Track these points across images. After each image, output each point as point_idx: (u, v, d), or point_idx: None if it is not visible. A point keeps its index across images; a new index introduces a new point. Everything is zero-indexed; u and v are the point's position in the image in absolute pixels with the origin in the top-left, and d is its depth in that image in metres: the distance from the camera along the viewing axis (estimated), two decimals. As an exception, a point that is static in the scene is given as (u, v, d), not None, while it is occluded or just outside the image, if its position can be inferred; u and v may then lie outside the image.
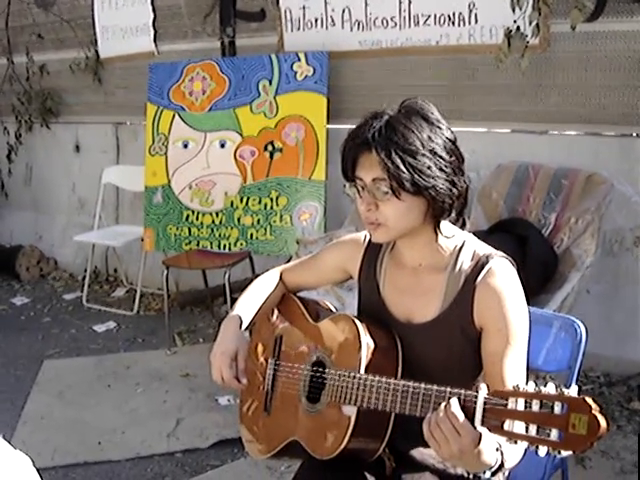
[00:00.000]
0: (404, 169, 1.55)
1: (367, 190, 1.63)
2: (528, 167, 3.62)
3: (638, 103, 3.51)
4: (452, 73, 4.04)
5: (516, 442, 1.29)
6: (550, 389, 1.27)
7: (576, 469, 2.99)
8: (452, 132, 1.64)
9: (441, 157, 1.58)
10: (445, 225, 1.69)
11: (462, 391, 1.41)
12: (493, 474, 1.48)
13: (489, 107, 3.98)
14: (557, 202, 3.45)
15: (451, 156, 1.61)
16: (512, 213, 3.59)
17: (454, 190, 1.61)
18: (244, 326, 1.93)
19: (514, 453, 1.49)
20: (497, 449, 1.44)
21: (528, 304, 1.69)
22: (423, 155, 1.56)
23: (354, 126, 1.67)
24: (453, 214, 1.66)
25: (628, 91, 3.53)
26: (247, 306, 1.99)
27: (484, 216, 3.65)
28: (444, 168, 1.59)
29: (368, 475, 1.79)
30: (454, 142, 1.63)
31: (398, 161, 1.55)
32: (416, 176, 1.55)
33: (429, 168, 1.56)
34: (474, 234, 1.80)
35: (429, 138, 1.58)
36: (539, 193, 3.52)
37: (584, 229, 3.35)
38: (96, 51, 5.57)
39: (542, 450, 1.26)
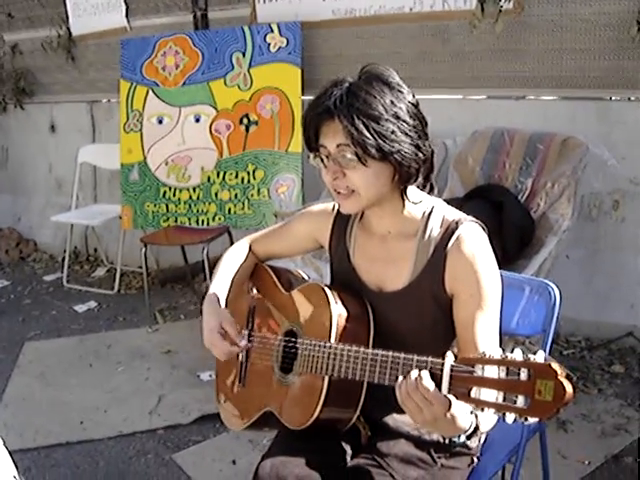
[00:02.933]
0: (368, 135, 1.52)
1: (332, 159, 1.60)
2: (504, 133, 3.59)
3: (614, 66, 3.49)
4: (426, 40, 4.00)
5: (482, 409, 1.28)
6: (517, 355, 1.26)
7: (557, 433, 3.01)
8: (414, 96, 1.62)
9: (405, 121, 1.56)
10: (412, 191, 1.67)
11: (429, 359, 1.40)
12: (468, 437, 1.48)
13: (464, 73, 3.95)
14: (533, 167, 3.43)
15: (415, 120, 1.58)
16: (488, 179, 3.57)
17: (419, 154, 1.59)
18: (222, 303, 1.92)
19: (489, 417, 1.48)
20: (471, 412, 1.43)
21: (505, 269, 1.68)
22: (387, 120, 1.54)
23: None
24: (420, 179, 1.64)
25: (604, 54, 3.51)
26: (221, 283, 1.98)
27: (460, 183, 3.63)
28: (408, 132, 1.56)
29: (343, 444, 1.79)
30: (416, 106, 1.61)
31: (361, 127, 1.52)
32: (380, 141, 1.53)
33: (393, 133, 1.54)
34: (450, 201, 1.78)
35: (392, 102, 1.55)
36: (515, 159, 3.50)
37: (560, 193, 3.34)
38: (68, 29, 5.49)
39: (509, 417, 1.24)
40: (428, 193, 1.71)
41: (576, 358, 3.65)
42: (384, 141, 1.53)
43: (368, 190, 1.62)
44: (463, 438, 1.48)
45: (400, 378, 1.42)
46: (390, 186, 1.63)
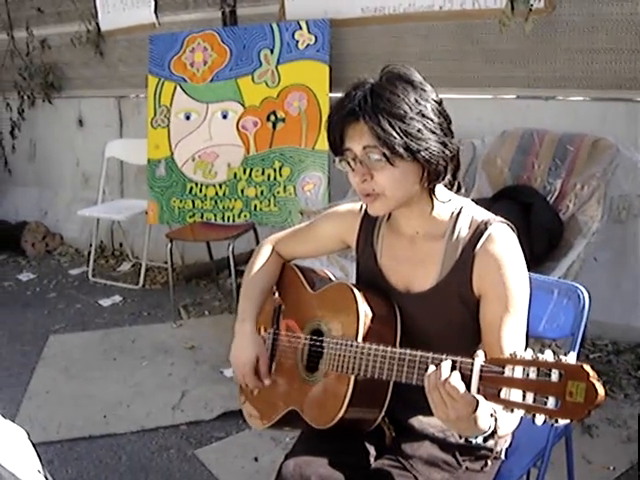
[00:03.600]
0: (395, 134, 1.51)
1: (359, 160, 1.59)
2: (533, 133, 3.56)
3: (646, 67, 3.45)
4: (456, 39, 3.97)
5: (512, 410, 1.27)
6: (548, 356, 1.24)
7: (582, 437, 2.98)
8: (437, 94, 1.60)
9: (430, 119, 1.55)
10: (440, 190, 1.65)
11: (458, 358, 1.39)
12: (485, 440, 1.46)
13: (494, 73, 3.92)
14: (562, 168, 3.39)
15: (439, 117, 1.57)
16: (517, 180, 3.54)
17: (446, 151, 1.57)
18: (254, 324, 1.95)
19: (509, 421, 1.47)
20: (491, 415, 1.42)
21: (533, 271, 1.66)
22: (412, 118, 1.52)
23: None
24: (448, 177, 1.62)
25: (635, 55, 3.47)
26: (252, 299, 1.99)
27: (489, 183, 3.60)
28: (434, 130, 1.55)
29: (367, 445, 1.78)
30: (440, 104, 1.60)
31: (387, 126, 1.51)
32: (407, 140, 1.52)
33: (419, 131, 1.53)
34: (478, 202, 1.76)
35: (416, 101, 1.54)
36: (544, 159, 3.47)
37: (590, 195, 3.30)
38: (97, 24, 5.51)
39: (539, 419, 1.23)
40: (456, 192, 1.69)
41: (602, 362, 3.61)
42: (411, 139, 1.52)
43: (396, 191, 1.60)
44: (480, 439, 1.46)
45: (432, 367, 1.40)
46: (418, 186, 1.61)
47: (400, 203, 1.64)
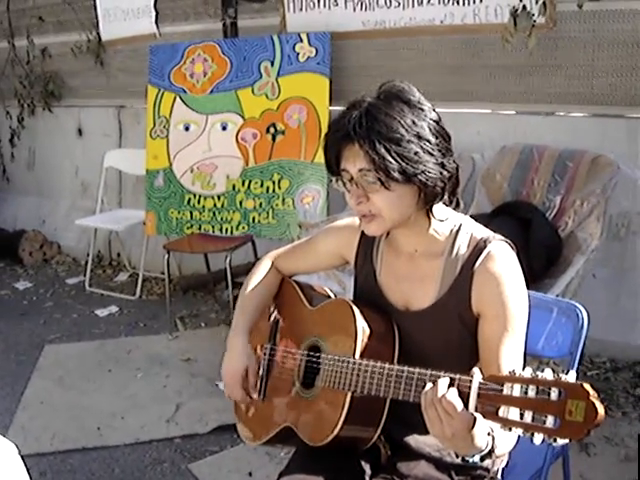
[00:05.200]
0: (390, 159, 1.49)
1: (355, 182, 1.57)
2: (533, 149, 3.55)
3: (646, 84, 3.45)
4: (457, 53, 3.97)
5: (511, 429, 1.25)
6: (547, 375, 1.23)
7: (580, 456, 2.95)
8: (435, 112, 1.58)
9: (427, 140, 1.52)
10: (438, 208, 1.63)
11: (457, 376, 1.37)
12: (482, 459, 1.44)
13: (494, 88, 3.92)
14: (562, 185, 3.39)
15: (437, 138, 1.54)
16: (516, 196, 3.53)
17: (444, 172, 1.55)
18: (246, 338, 1.93)
19: (506, 440, 1.45)
20: (488, 433, 1.40)
21: (531, 288, 1.64)
22: (409, 141, 1.49)
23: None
24: (445, 197, 1.61)
25: (636, 72, 3.47)
26: (247, 313, 1.97)
27: (487, 199, 3.59)
28: (432, 151, 1.52)
29: (363, 463, 1.76)
30: (438, 122, 1.57)
31: (383, 151, 1.48)
32: (404, 164, 1.49)
33: (416, 154, 1.50)
34: (477, 217, 1.75)
35: (413, 122, 1.51)
36: (544, 175, 3.46)
37: (589, 212, 3.29)
38: (98, 34, 5.51)
39: (537, 438, 1.21)
40: (454, 209, 1.67)
41: (600, 380, 3.58)
42: (407, 164, 1.50)
43: (393, 213, 1.59)
44: (477, 458, 1.44)
45: (429, 385, 1.39)
46: (415, 207, 1.60)
47: (397, 224, 1.62)
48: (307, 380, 1.79)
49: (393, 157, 1.49)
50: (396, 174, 1.50)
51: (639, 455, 2.83)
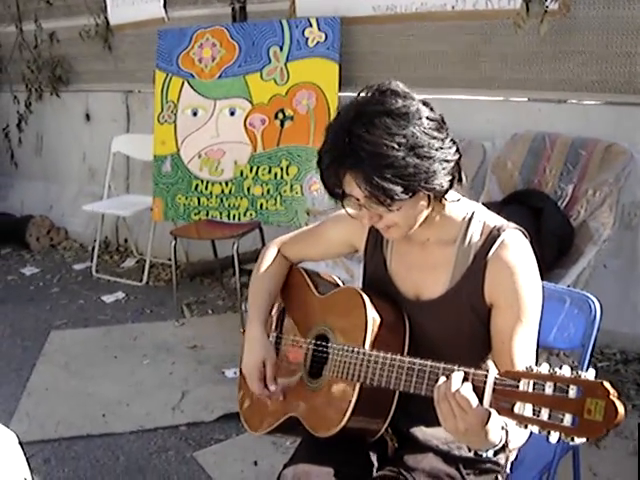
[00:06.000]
0: (390, 185, 1.43)
1: (363, 206, 1.52)
2: (545, 137, 3.50)
3: (661, 71, 3.39)
4: (468, 39, 3.91)
5: (526, 426, 1.22)
6: (565, 371, 1.19)
7: (589, 449, 2.91)
8: (422, 104, 1.49)
9: (422, 146, 1.44)
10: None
11: (471, 370, 1.34)
12: (495, 453, 1.41)
13: (506, 74, 3.85)
14: (574, 173, 3.34)
15: (430, 134, 1.46)
16: (527, 184, 3.48)
17: (447, 166, 1.49)
18: (264, 329, 1.91)
19: (519, 434, 1.42)
20: (502, 427, 1.37)
21: (542, 278, 1.60)
22: (403, 158, 1.42)
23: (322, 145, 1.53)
24: (454, 184, 1.55)
25: (651, 58, 3.41)
26: (260, 303, 1.94)
27: (498, 187, 3.54)
28: (429, 154, 1.45)
29: (370, 454, 1.73)
30: (428, 116, 1.47)
31: (378, 180, 1.42)
32: (405, 182, 1.44)
33: (415, 166, 1.43)
34: (488, 205, 1.71)
35: (403, 137, 1.42)
36: (556, 164, 3.41)
37: (602, 201, 3.23)
38: (106, 18, 5.46)
39: (554, 436, 1.18)
40: (458, 182, 1.58)
41: (610, 371, 3.55)
42: (409, 181, 1.44)
43: (408, 221, 1.56)
44: (491, 453, 1.42)
45: (442, 378, 1.36)
46: (428, 206, 1.55)
47: (415, 226, 1.58)
48: (314, 370, 1.76)
49: (392, 182, 1.43)
50: (401, 195, 1.45)
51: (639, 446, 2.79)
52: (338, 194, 1.55)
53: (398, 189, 1.44)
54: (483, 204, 1.69)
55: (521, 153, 3.54)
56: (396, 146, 1.42)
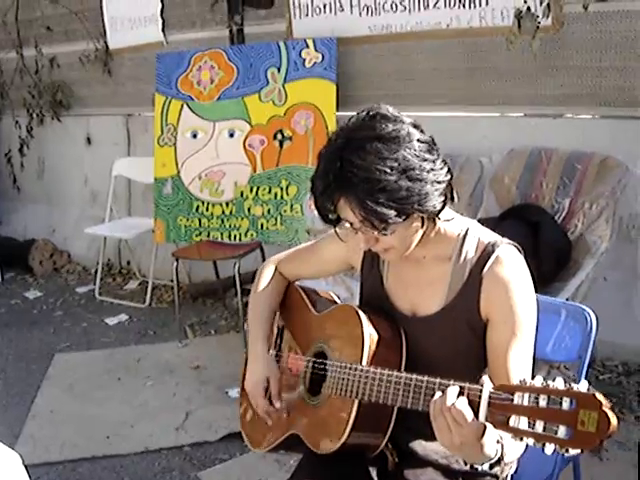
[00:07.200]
0: (384, 209, 1.45)
1: (358, 230, 1.55)
2: (541, 152, 3.53)
3: (654, 85, 3.42)
4: (463, 57, 3.95)
5: (522, 439, 1.23)
6: (558, 384, 1.21)
7: (592, 461, 2.92)
8: (412, 125, 1.51)
9: (413, 169, 1.46)
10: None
11: (466, 384, 1.36)
12: (491, 467, 1.42)
13: (501, 91, 3.88)
14: (570, 187, 3.36)
15: (422, 157, 1.48)
16: (525, 199, 3.50)
17: (439, 187, 1.50)
18: (266, 346, 1.93)
19: (515, 447, 1.44)
20: (497, 441, 1.39)
21: (541, 292, 1.62)
22: (396, 182, 1.44)
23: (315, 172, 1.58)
24: (447, 204, 1.57)
25: (644, 72, 3.44)
26: (261, 320, 1.96)
27: (496, 202, 3.56)
28: (421, 177, 1.46)
29: (370, 470, 1.74)
30: (419, 139, 1.49)
31: (371, 204, 1.45)
32: (399, 206, 1.46)
33: (408, 189, 1.45)
34: (485, 221, 1.73)
35: (394, 160, 1.44)
36: (552, 178, 3.43)
37: (598, 214, 3.26)
38: (105, 42, 5.52)
39: (549, 448, 1.20)
40: (450, 201, 1.61)
41: (612, 383, 3.55)
42: (402, 204, 1.46)
43: (405, 243, 1.58)
44: (486, 466, 1.43)
45: (438, 393, 1.37)
46: (423, 227, 1.58)
47: (412, 246, 1.61)
48: (313, 387, 1.77)
49: (385, 206, 1.45)
50: (394, 219, 1.47)
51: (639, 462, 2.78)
52: (332, 220, 1.58)
53: (392, 213, 1.45)
54: (480, 220, 1.72)
55: (518, 168, 3.57)
56: (388, 170, 1.43)
